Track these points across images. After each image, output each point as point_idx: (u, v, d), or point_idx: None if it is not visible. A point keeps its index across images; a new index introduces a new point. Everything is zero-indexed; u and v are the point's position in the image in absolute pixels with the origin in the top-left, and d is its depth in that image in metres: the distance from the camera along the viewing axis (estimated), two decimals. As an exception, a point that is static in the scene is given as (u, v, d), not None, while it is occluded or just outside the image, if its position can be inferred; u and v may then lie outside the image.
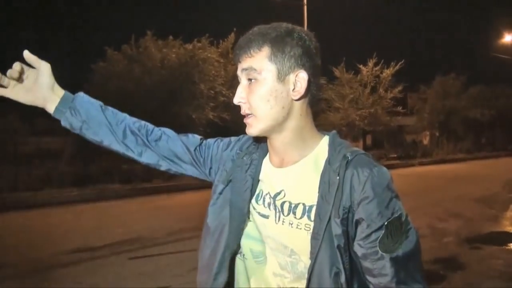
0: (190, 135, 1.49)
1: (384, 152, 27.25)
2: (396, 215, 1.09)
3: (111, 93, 16.94)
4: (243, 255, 1.28)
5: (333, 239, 1.11)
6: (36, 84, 1.33)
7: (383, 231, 1.08)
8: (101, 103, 1.44)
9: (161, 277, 5.49)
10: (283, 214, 1.21)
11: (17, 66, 1.29)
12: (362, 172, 1.11)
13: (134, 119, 1.47)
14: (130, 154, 1.44)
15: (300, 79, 1.18)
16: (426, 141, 34.73)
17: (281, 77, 1.17)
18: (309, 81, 1.18)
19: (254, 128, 1.20)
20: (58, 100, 1.36)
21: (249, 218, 1.27)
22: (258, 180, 1.29)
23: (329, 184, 1.13)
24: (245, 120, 1.22)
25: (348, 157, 1.14)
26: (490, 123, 32.40)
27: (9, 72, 1.29)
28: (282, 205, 1.21)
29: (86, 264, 6.10)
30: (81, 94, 1.41)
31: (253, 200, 1.27)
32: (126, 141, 1.42)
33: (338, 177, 1.12)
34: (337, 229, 1.10)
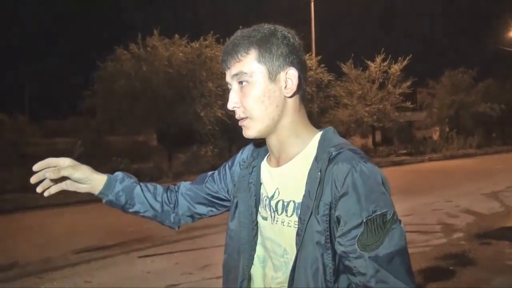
0: (199, 176, 1.57)
1: (394, 148, 27.16)
2: (379, 213, 1.05)
3: (119, 92, 17.04)
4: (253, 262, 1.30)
5: (314, 236, 1.10)
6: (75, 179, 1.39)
7: (362, 229, 1.05)
8: (135, 180, 1.50)
9: (170, 276, 5.50)
10: (277, 213, 1.22)
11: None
12: (343, 167, 1.09)
13: (163, 188, 1.54)
14: (167, 225, 1.57)
15: (290, 76, 1.20)
16: (435, 136, 34.54)
17: (272, 76, 1.19)
18: (299, 77, 1.20)
19: (251, 130, 1.22)
20: (101, 186, 1.44)
21: (257, 224, 1.29)
22: (260, 184, 1.31)
23: (314, 180, 1.12)
24: (241, 123, 1.23)
25: (332, 152, 1.13)
26: (500, 118, 32.12)
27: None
28: (276, 204, 1.23)
29: (95, 263, 6.14)
30: (120, 176, 1.47)
31: (259, 205, 1.30)
32: (163, 216, 1.54)
33: (319, 173, 1.11)
34: (317, 226, 1.10)
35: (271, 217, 1.24)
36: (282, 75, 1.19)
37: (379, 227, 1.05)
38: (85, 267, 5.99)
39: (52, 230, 8.40)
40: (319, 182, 1.11)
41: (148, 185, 1.51)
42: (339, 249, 1.08)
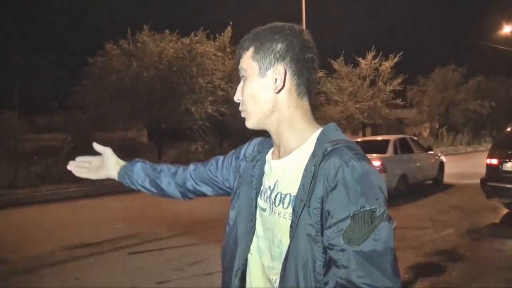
0: (210, 160, 1.68)
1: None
2: (367, 209, 1.06)
3: (110, 87, 16.94)
4: (250, 252, 1.34)
5: (306, 228, 1.12)
6: (104, 164, 1.74)
7: (348, 222, 1.06)
8: (150, 165, 1.75)
9: (160, 272, 5.47)
10: (275, 205, 1.25)
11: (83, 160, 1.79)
12: (335, 162, 1.11)
13: (173, 170, 1.72)
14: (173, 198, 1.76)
15: (278, 72, 1.23)
16: (426, 133, 34.76)
17: (262, 72, 1.24)
18: (285, 74, 1.23)
19: (248, 122, 1.29)
20: (118, 171, 1.75)
21: (256, 216, 1.34)
22: (263, 177, 1.35)
23: (308, 174, 1.15)
24: (242, 115, 1.31)
25: (327, 148, 1.15)
26: (490, 115, 32.38)
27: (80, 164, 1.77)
28: (275, 196, 1.26)
29: (85, 260, 6.08)
30: (138, 164, 1.74)
31: (258, 198, 1.34)
32: (170, 193, 1.73)
33: (313, 167, 1.14)
34: (308, 219, 1.12)
35: (270, 208, 1.27)
36: (271, 71, 1.23)
37: (366, 223, 1.06)
38: (74, 264, 5.94)
39: (41, 227, 8.32)
40: (313, 176, 1.13)
41: (162, 169, 1.73)
42: (326, 241, 1.10)
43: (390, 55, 24.27)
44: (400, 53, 24.14)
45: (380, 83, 24.59)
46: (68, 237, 7.28)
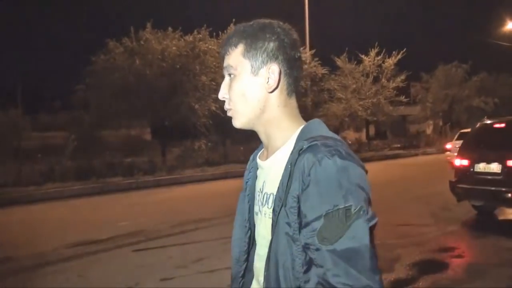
0: None
1: (387, 142, 27.22)
2: (341, 207, 1.04)
3: (113, 85, 16.94)
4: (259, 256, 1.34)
5: (284, 227, 1.12)
6: None
7: (322, 222, 1.04)
8: None
9: (164, 269, 5.48)
10: (262, 206, 1.26)
11: None
12: (308, 160, 1.09)
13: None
14: None
15: (272, 72, 1.21)
16: (429, 130, 34.70)
17: (255, 71, 1.22)
18: (280, 73, 1.22)
19: (236, 120, 1.27)
20: None
21: (249, 222, 1.35)
22: (256, 181, 1.35)
23: (286, 173, 1.14)
24: (228, 114, 1.28)
25: (303, 146, 1.13)
26: (494, 112, 32.28)
27: None
28: (263, 197, 1.26)
29: (89, 257, 6.10)
30: None
31: (254, 204, 1.34)
32: None
33: (290, 166, 1.13)
34: (285, 218, 1.12)
35: (260, 210, 1.28)
36: (264, 70, 1.21)
37: (340, 221, 1.04)
38: (78, 261, 5.96)
39: (44, 224, 8.35)
40: (289, 175, 1.12)
41: None
42: (302, 240, 1.09)
43: (393, 52, 24.25)
44: (403, 50, 24.12)
45: (383, 80, 24.55)
46: (72, 234, 7.30)
